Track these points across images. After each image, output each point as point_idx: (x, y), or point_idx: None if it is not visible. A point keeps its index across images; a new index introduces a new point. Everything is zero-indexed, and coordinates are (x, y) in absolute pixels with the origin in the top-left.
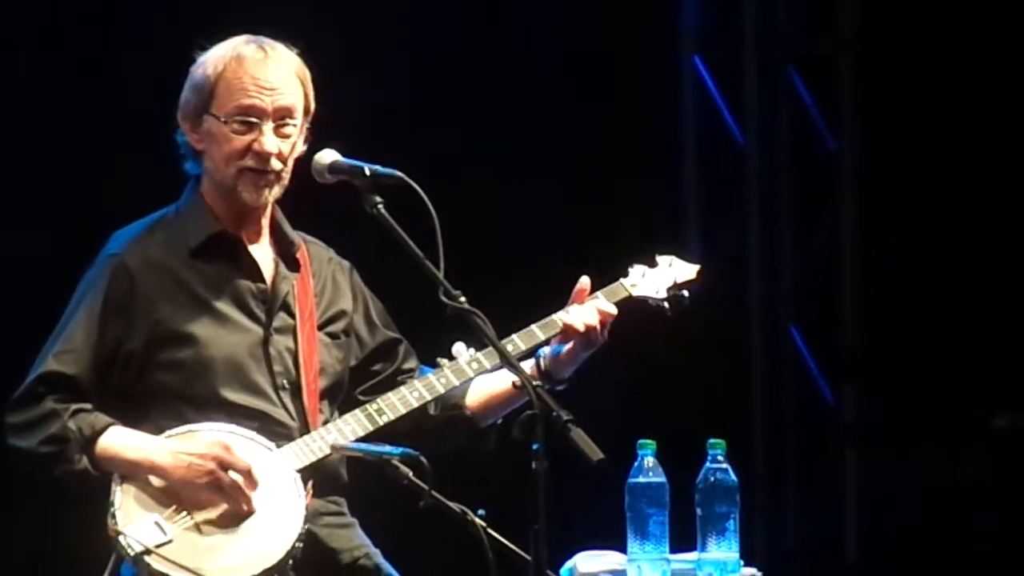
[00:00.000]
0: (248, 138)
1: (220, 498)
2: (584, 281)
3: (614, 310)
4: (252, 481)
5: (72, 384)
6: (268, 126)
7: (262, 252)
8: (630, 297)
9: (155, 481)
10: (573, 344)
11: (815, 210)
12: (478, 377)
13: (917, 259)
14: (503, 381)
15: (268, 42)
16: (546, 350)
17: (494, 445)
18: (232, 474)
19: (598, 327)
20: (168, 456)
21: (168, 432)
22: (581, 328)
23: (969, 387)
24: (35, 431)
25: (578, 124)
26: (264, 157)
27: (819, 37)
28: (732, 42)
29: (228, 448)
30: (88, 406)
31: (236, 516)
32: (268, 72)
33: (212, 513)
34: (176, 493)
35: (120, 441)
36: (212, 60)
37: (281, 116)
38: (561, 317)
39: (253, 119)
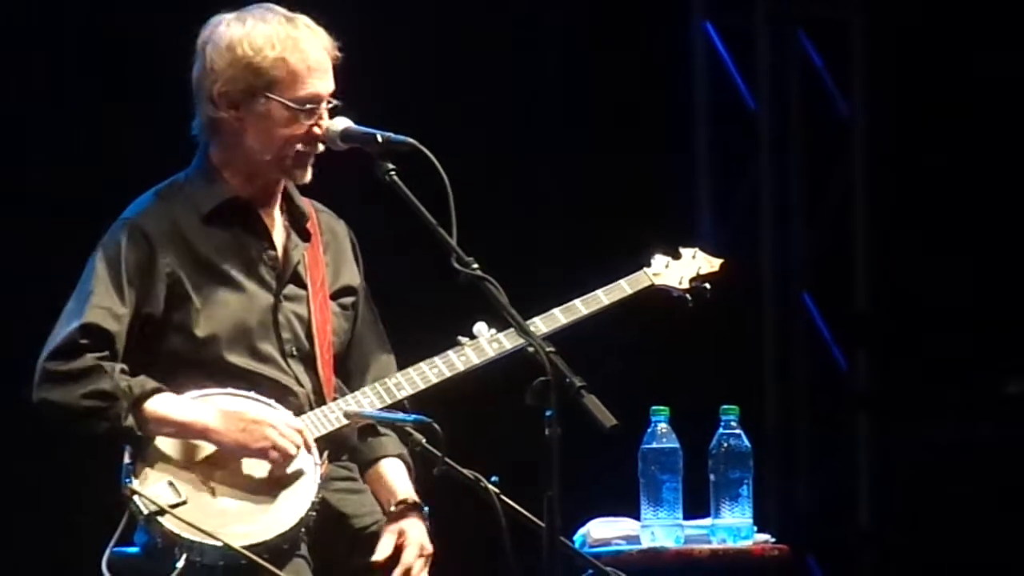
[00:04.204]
0: (310, 123)
1: (263, 464)
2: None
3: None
4: (303, 450)
5: (112, 341)
6: (323, 109)
7: (274, 220)
8: (652, 286)
9: (188, 443)
10: None
11: (827, 175)
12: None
13: (929, 224)
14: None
15: (303, 19)
16: None
17: None
18: (285, 443)
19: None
20: (221, 418)
21: (189, 394)
22: None
23: (982, 353)
24: (77, 384)
25: (589, 92)
26: (320, 140)
27: (830, 1)
28: (743, 7)
29: (282, 422)
30: (126, 368)
31: (255, 481)
32: (321, 55)
33: (227, 477)
34: (213, 458)
35: (170, 403)
36: (262, 40)
37: (330, 99)
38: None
39: (318, 105)
